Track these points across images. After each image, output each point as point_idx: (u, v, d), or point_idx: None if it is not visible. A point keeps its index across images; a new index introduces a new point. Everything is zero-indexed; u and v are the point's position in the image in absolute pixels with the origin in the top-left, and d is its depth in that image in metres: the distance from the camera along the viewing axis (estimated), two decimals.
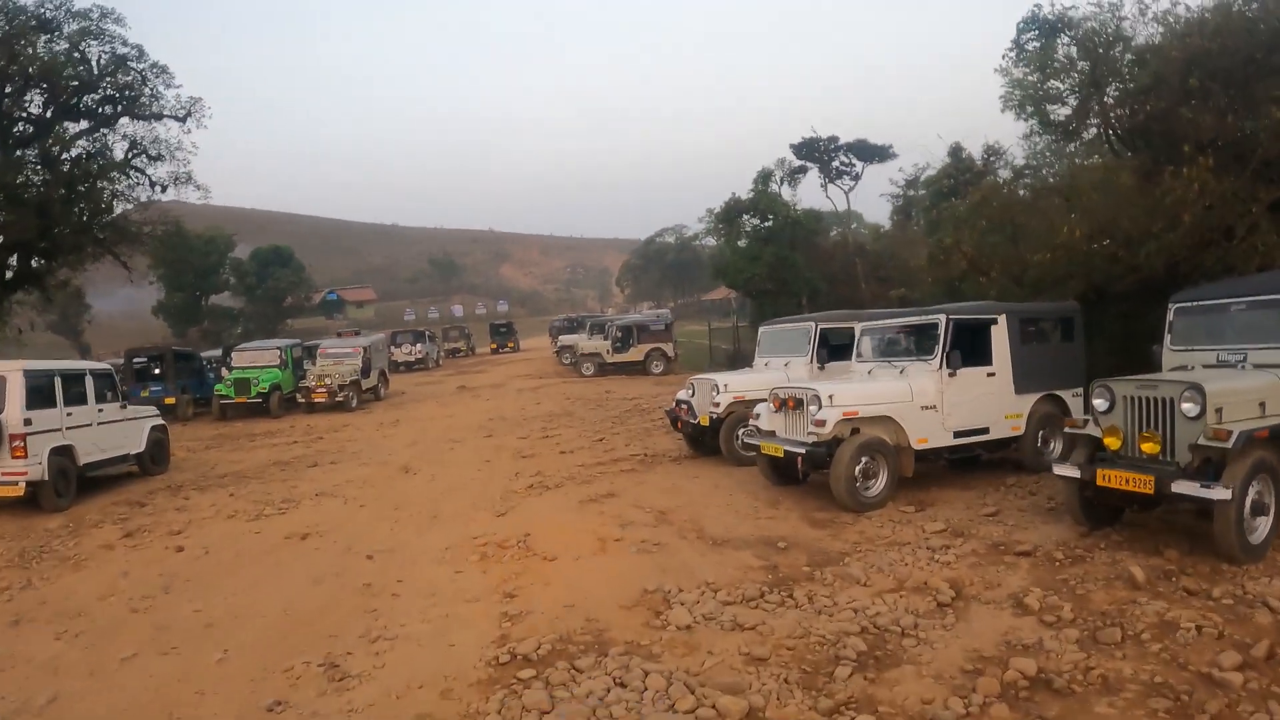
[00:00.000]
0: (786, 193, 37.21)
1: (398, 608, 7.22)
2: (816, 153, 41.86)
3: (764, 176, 36.89)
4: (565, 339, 41.58)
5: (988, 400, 10.81)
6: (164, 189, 35.11)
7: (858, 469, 9.63)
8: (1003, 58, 19.95)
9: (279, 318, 67.51)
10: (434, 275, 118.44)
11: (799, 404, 10.27)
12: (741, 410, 12.95)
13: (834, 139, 42.23)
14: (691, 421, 13.66)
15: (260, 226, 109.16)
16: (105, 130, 33.23)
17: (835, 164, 43.01)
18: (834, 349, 13.41)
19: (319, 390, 25.45)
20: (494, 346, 56.49)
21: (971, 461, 11.46)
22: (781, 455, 10.29)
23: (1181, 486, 7.00)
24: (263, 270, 67.67)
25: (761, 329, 15.34)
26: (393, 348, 44.27)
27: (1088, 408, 8.36)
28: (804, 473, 10.19)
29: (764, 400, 11.97)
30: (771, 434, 10.83)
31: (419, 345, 45.84)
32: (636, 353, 33.25)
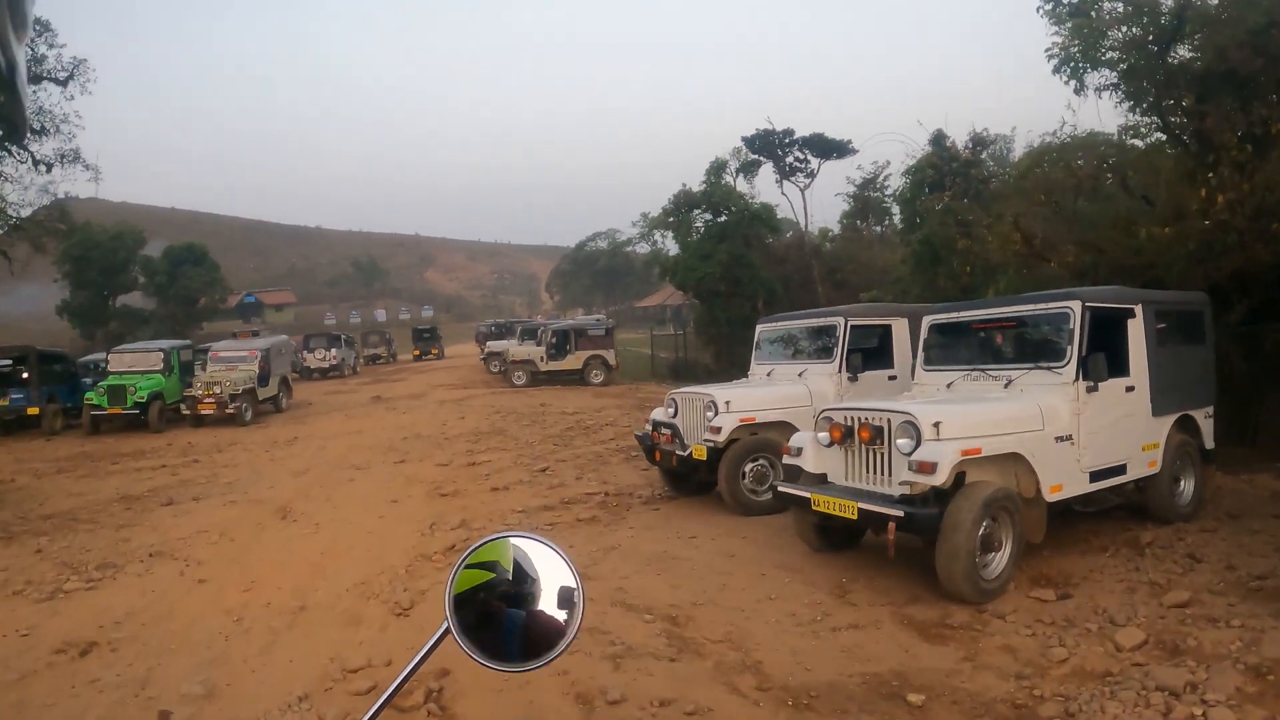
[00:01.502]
0: (742, 186, 34.40)
1: None
2: (771, 146, 38.87)
3: (717, 168, 33.99)
4: (494, 345, 38.11)
5: (1126, 425, 7.75)
6: (49, 168, 31.28)
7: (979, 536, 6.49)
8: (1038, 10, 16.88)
9: (192, 320, 62.89)
10: (356, 279, 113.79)
11: (876, 436, 7.09)
12: (747, 438, 9.79)
13: (789, 132, 39.21)
14: (680, 454, 10.20)
15: (176, 225, 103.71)
16: None
17: (790, 159, 40.12)
18: (866, 354, 10.45)
19: (207, 401, 21.72)
20: (417, 353, 52.82)
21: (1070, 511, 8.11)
22: (855, 517, 6.93)
23: None
24: (175, 270, 62.98)
25: (761, 327, 12.06)
26: (304, 352, 40.43)
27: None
28: (893, 543, 6.65)
29: (783, 423, 9.45)
30: (823, 479, 7.66)
31: (334, 350, 41.75)
32: (574, 360, 29.93)
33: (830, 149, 40.43)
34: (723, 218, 32.45)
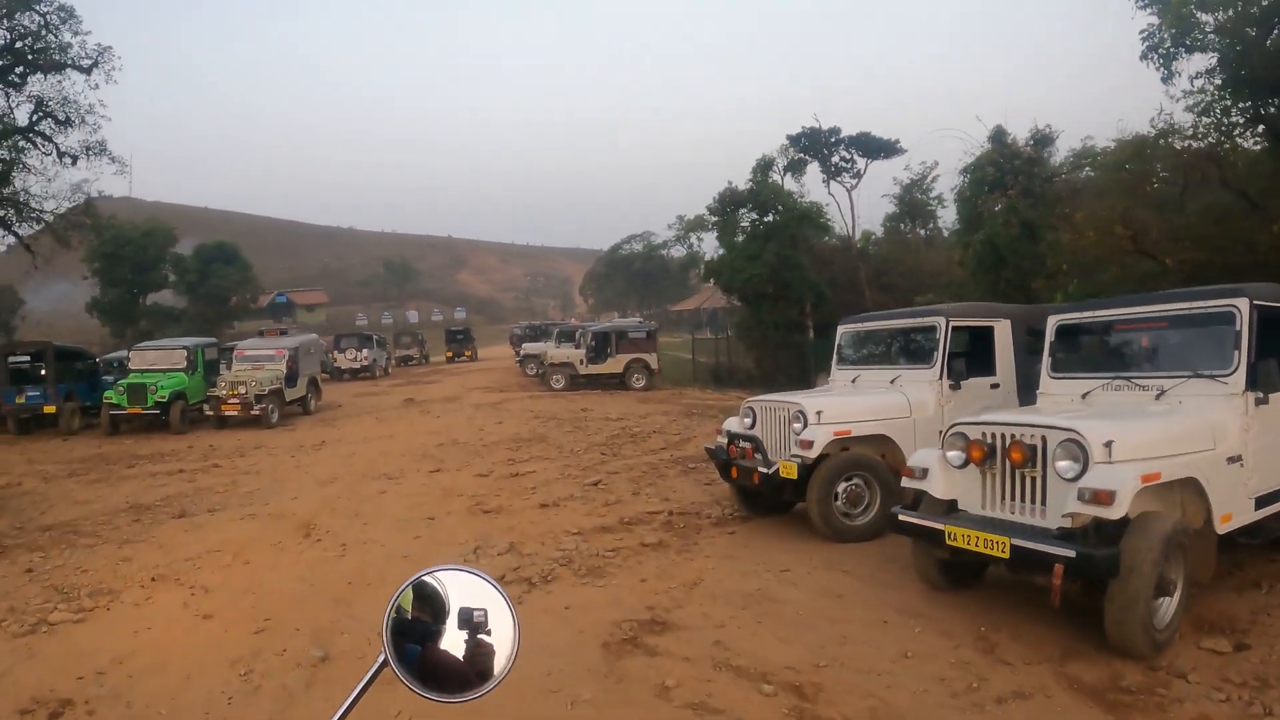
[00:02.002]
0: (789, 185, 32.96)
1: None
2: (817, 145, 37.33)
3: (764, 165, 32.58)
4: (530, 347, 36.90)
5: None
6: (74, 160, 30.42)
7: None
8: None
9: (223, 319, 62.30)
10: (388, 279, 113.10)
11: (1029, 458, 5.74)
12: (839, 454, 8.44)
13: (835, 130, 37.66)
14: (763, 471, 8.73)
15: (208, 225, 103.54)
16: (8, 90, 28.60)
17: (835, 159, 38.59)
18: (965, 359, 9.13)
19: (231, 401, 20.59)
20: (449, 354, 51.70)
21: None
22: (1007, 556, 5.55)
23: None
24: (206, 268, 62.49)
25: (843, 328, 10.61)
26: (335, 352, 39.37)
27: None
28: (1059, 590, 5.19)
29: (880, 436, 8.40)
30: (953, 507, 6.33)
31: (365, 351, 40.56)
32: (614, 364, 28.63)
33: (878, 148, 38.81)
34: (769, 217, 31.13)
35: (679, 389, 28.96)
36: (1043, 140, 28.08)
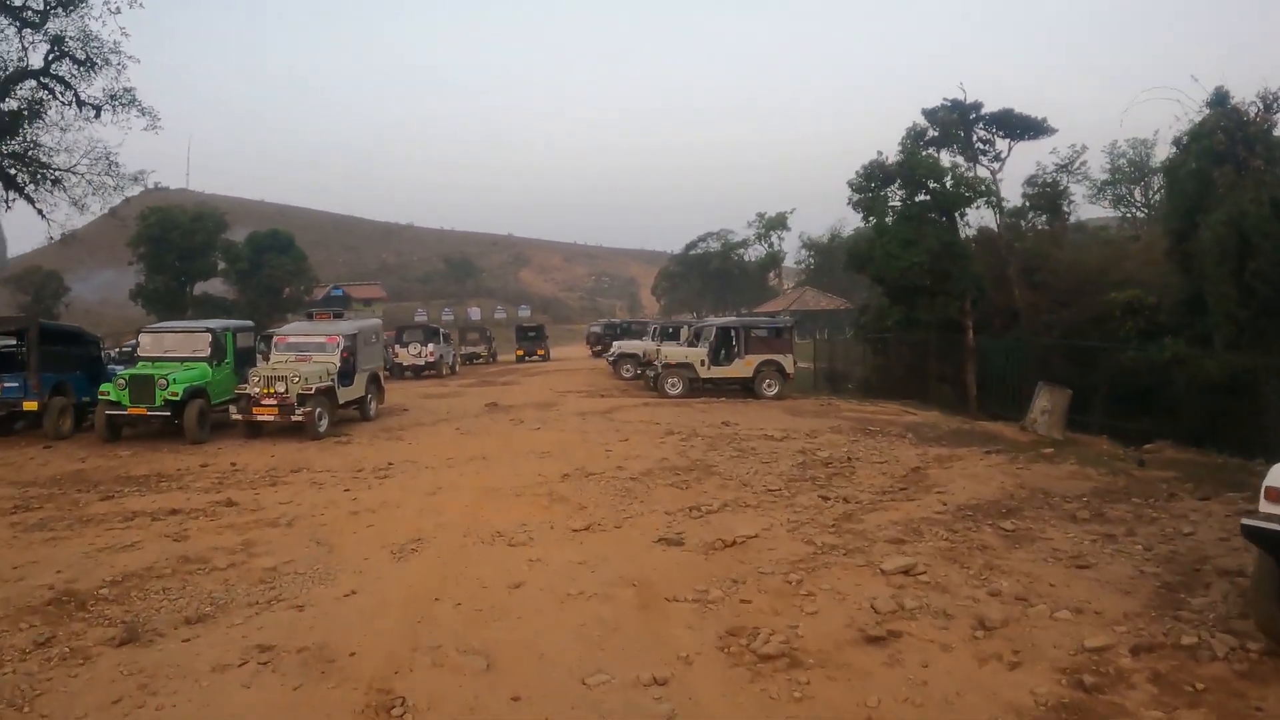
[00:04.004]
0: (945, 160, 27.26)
1: None
2: (959, 123, 31.18)
3: (915, 135, 26.91)
4: (626, 345, 31.37)
5: None
6: (97, 111, 25.57)
7: None
8: None
9: (276, 311, 57.47)
10: (448, 276, 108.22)
11: None
12: None
13: (977, 105, 31.55)
14: None
15: (264, 218, 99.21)
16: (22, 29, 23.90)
17: (975, 139, 32.45)
18: None
19: (266, 403, 15.30)
20: (520, 353, 46.11)
21: None
22: None
23: None
24: (259, 257, 58.05)
25: None
26: (396, 347, 34.08)
27: None
28: None
29: None
30: None
31: (430, 346, 34.87)
32: (743, 366, 22.98)
33: (1024, 128, 32.00)
34: (921, 196, 25.57)
35: (816, 398, 23.42)
36: (1271, 104, 22.02)
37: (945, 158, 27.46)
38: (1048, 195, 33.28)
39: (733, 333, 23.60)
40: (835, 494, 9.81)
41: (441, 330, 38.89)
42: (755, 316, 32.15)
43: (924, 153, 27.11)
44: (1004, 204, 28.64)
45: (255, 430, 15.67)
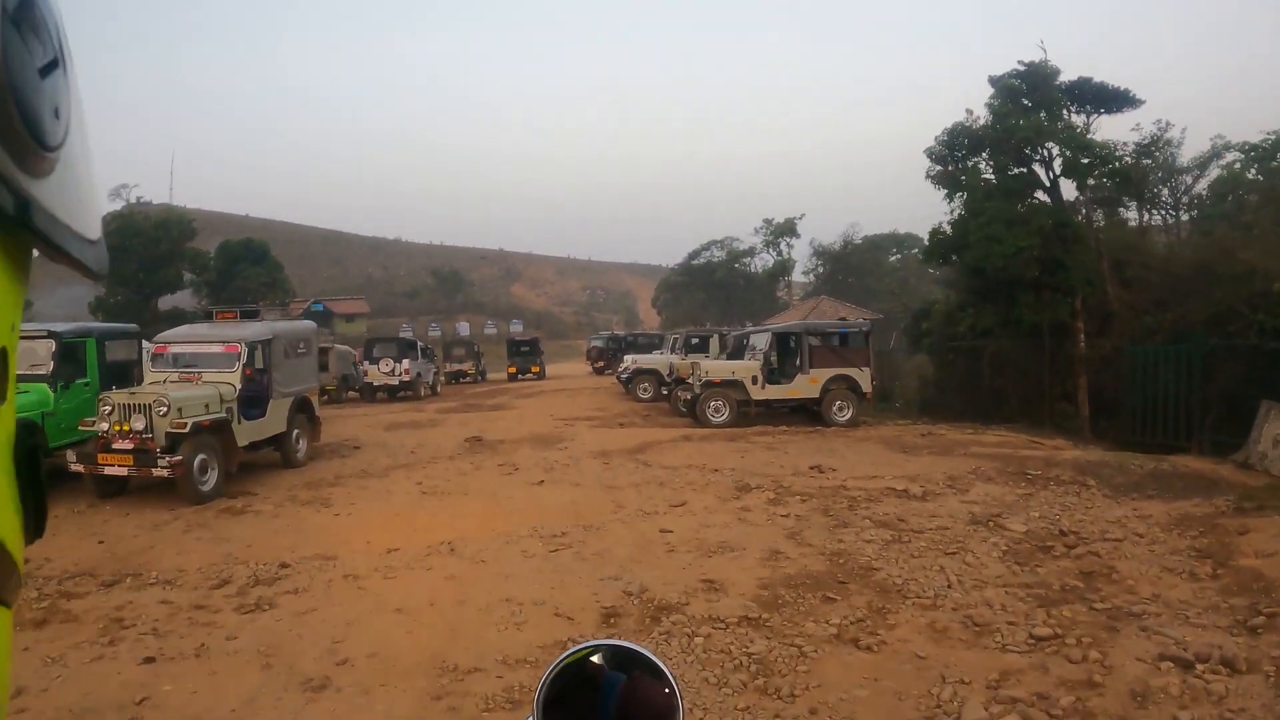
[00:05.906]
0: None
1: None
2: (1040, 90, 25.61)
3: (1006, 91, 21.70)
4: (642, 359, 25.87)
5: None
6: None
7: None
8: None
9: None
10: (437, 290, 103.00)
11: None
12: None
13: (1055, 72, 26.11)
14: None
15: (247, 231, 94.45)
16: None
17: (1064, 108, 26.92)
18: None
19: (117, 448, 9.79)
20: (513, 370, 40.52)
21: None
22: None
23: None
24: (230, 268, 53.33)
25: None
26: (367, 364, 28.46)
27: None
28: None
29: None
30: None
31: (406, 363, 29.05)
32: (807, 384, 17.50)
33: (1106, 99, 26.48)
34: (1015, 170, 20.44)
35: (901, 423, 18.07)
36: None
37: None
38: (1133, 180, 27.67)
39: (793, 340, 18.08)
40: (1155, 640, 4.39)
41: (421, 344, 33.20)
42: (819, 321, 26.30)
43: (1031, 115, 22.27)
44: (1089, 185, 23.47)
45: (108, 487, 10.15)
